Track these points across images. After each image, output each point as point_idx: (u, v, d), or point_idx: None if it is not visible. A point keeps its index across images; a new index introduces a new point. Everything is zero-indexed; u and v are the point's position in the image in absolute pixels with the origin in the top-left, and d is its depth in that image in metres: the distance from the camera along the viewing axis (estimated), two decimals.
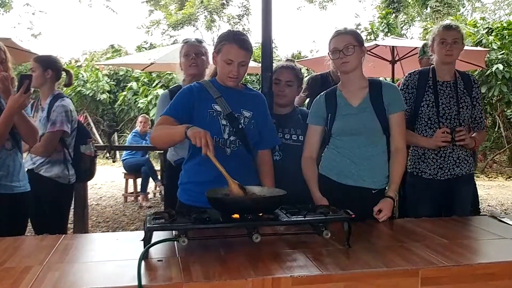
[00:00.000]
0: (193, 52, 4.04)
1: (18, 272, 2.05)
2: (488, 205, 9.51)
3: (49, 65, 4.36)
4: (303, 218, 2.42)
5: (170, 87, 4.30)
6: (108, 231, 7.27)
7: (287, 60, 4.04)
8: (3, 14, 20.99)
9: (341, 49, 3.12)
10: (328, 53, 3.22)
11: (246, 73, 3.12)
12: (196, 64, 4.04)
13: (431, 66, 3.73)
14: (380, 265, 2.15)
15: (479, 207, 4.89)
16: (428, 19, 21.85)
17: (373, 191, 3.21)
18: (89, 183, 6.35)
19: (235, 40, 2.97)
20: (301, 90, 3.84)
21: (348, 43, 3.12)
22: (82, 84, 17.66)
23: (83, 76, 17.88)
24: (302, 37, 50.89)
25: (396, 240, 2.58)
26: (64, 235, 2.69)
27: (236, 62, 2.96)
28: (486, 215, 3.30)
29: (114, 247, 2.49)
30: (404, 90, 3.68)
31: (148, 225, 2.25)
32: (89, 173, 4.74)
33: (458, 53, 3.60)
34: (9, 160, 3.36)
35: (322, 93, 3.38)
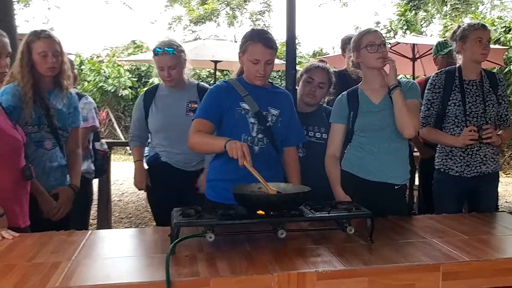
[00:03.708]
0: (166, 66, 3.78)
1: (47, 267, 2.08)
2: (506, 202, 9.44)
3: (73, 66, 4.42)
4: (327, 214, 2.47)
5: (148, 88, 4.27)
6: (131, 227, 7.28)
7: (320, 61, 4.06)
8: (22, 8, 20.96)
9: (379, 43, 3.18)
10: (365, 47, 3.23)
11: (272, 71, 3.15)
12: (170, 79, 3.83)
13: (458, 65, 3.73)
14: (402, 260, 2.19)
15: (497, 203, 4.90)
16: (447, 16, 21.70)
17: (395, 187, 3.27)
18: (111, 179, 6.43)
19: (260, 39, 3.00)
20: (328, 92, 3.86)
21: (382, 40, 3.21)
22: (104, 80, 17.59)
23: (105, 72, 17.85)
24: (323, 34, 50.58)
25: (418, 236, 2.61)
26: (91, 230, 2.74)
27: (262, 61, 3.00)
28: (504, 211, 3.32)
29: (140, 242, 2.56)
30: (432, 90, 3.70)
31: (175, 221, 2.30)
32: (103, 169, 4.83)
33: (489, 52, 3.63)
34: (46, 160, 3.34)
35: (344, 92, 3.43)
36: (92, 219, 6.52)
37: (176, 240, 2.25)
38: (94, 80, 17.54)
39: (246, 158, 2.60)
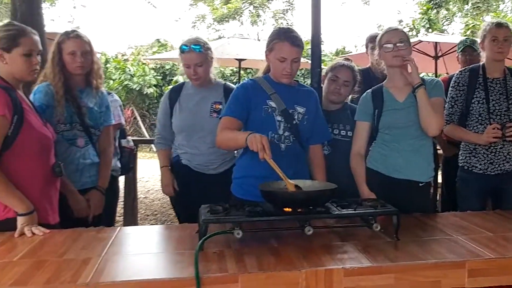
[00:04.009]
0: (192, 64, 3.70)
1: (78, 263, 2.13)
2: None
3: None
4: (353, 211, 2.48)
5: (173, 86, 4.19)
6: (156, 224, 7.32)
7: (345, 59, 4.05)
8: (48, 7, 21.16)
9: (394, 42, 3.19)
10: (382, 46, 3.27)
11: (298, 69, 3.17)
12: (197, 76, 3.75)
13: (481, 63, 3.73)
14: (428, 257, 2.21)
15: None
16: (468, 15, 21.57)
17: (420, 184, 3.27)
18: (137, 176, 6.45)
19: (286, 37, 3.02)
20: (353, 90, 3.86)
21: (401, 38, 3.21)
22: (129, 78, 17.72)
23: (129, 70, 17.95)
24: (346, 33, 50.35)
25: (443, 233, 2.62)
26: (119, 227, 2.79)
27: (289, 60, 3.01)
28: None
29: (168, 239, 2.59)
30: (455, 88, 3.70)
31: (203, 218, 2.32)
32: (130, 166, 4.85)
33: (508, 50, 3.62)
34: (79, 158, 3.42)
35: (368, 90, 3.44)
36: (118, 216, 6.58)
37: (205, 237, 2.28)
38: (119, 79, 17.65)
39: (265, 151, 2.58)
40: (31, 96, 3.27)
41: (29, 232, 2.58)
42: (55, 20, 23.61)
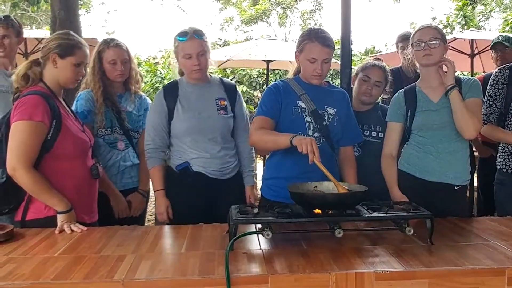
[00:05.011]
0: (195, 53, 3.32)
1: (113, 260, 2.20)
2: None
3: None
4: (385, 214, 2.44)
5: (165, 86, 3.63)
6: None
7: (376, 59, 3.99)
8: (84, 14, 21.59)
9: (425, 41, 3.11)
10: (411, 45, 3.21)
11: (329, 70, 3.14)
12: (200, 67, 3.37)
13: None
14: (464, 263, 2.14)
15: None
16: (507, 10, 21.16)
17: (455, 187, 3.19)
18: None
19: (317, 38, 3.01)
20: (385, 91, 3.79)
21: (433, 36, 3.12)
22: (159, 81, 17.96)
23: (160, 73, 18.22)
24: (375, 31, 50.19)
25: (480, 239, 2.54)
26: (151, 226, 2.81)
27: (319, 60, 3.01)
28: None
29: (198, 238, 2.56)
30: (494, 86, 3.58)
31: (234, 218, 2.32)
32: None
33: None
34: (120, 160, 3.57)
35: (400, 90, 3.38)
36: (150, 215, 6.64)
37: (235, 237, 2.27)
38: (150, 81, 17.90)
39: (315, 154, 2.58)
40: (74, 103, 3.49)
41: (68, 229, 2.72)
42: (92, 25, 24.15)
